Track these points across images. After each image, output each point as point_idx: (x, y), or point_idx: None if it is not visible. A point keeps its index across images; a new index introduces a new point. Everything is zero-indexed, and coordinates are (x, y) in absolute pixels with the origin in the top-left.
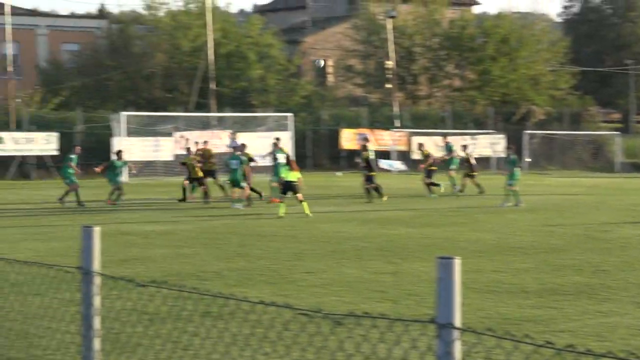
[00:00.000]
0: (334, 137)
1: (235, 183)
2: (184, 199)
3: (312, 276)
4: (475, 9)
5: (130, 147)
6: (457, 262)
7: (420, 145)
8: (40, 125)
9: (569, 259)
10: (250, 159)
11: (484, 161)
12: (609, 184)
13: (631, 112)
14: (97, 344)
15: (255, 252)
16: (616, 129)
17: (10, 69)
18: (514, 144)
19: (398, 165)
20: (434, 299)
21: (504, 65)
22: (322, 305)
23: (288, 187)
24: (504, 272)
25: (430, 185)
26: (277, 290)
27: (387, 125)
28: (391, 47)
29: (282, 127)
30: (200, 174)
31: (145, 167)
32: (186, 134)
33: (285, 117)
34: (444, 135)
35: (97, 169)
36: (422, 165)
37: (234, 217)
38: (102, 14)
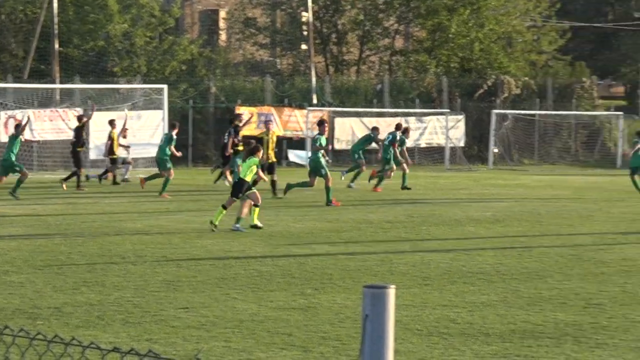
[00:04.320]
0: (227, 119)
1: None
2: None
3: (189, 313)
4: None
5: None
6: (392, 293)
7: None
8: None
9: (549, 289)
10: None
11: (434, 152)
12: (608, 184)
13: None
14: None
15: (111, 279)
16: (619, 108)
17: None
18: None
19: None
20: (358, 344)
21: (465, 20)
22: (202, 355)
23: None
24: (458, 306)
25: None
26: (140, 332)
27: (301, 102)
28: None
29: (152, 104)
30: None
31: None
32: (17, 113)
33: (158, 89)
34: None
35: None
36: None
37: (81, 229)
38: None
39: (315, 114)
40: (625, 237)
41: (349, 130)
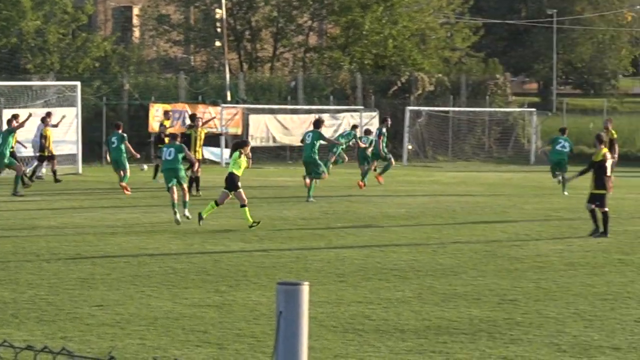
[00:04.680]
0: (141, 116)
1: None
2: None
3: (104, 311)
4: None
5: None
6: (305, 290)
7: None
8: None
9: (464, 285)
10: None
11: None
12: (522, 180)
13: (553, 81)
14: None
15: (25, 277)
16: (532, 105)
17: None
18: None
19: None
20: (273, 341)
21: (379, 17)
22: (116, 352)
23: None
24: (373, 303)
25: None
26: (54, 330)
27: (215, 99)
28: None
29: (66, 101)
30: None
31: None
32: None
33: (72, 86)
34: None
35: None
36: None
37: None
38: None
39: (229, 111)
40: (538, 234)
41: (263, 127)
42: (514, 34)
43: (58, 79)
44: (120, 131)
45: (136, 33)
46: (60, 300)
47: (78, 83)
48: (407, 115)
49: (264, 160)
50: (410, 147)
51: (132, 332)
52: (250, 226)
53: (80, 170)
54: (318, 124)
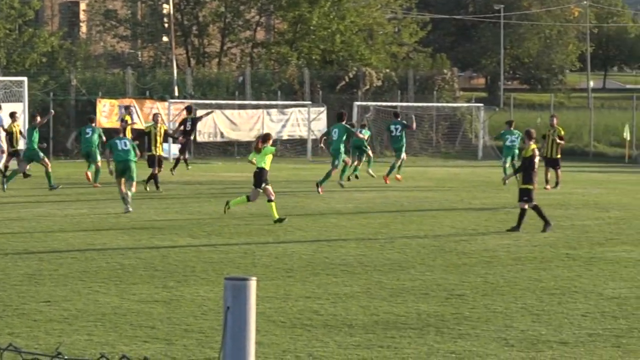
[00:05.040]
0: (88, 111)
1: None
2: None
3: (51, 307)
4: None
5: None
6: (253, 285)
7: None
8: None
9: (412, 280)
10: None
11: (296, 144)
12: (470, 175)
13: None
14: None
15: None
16: (480, 100)
17: None
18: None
19: (176, 149)
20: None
21: (327, 12)
22: (64, 348)
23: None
24: (321, 298)
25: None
26: (1, 326)
27: (163, 94)
28: None
29: (13, 97)
30: None
31: None
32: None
33: (19, 82)
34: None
35: None
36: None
37: None
38: None
39: (176, 106)
40: (486, 228)
41: (211, 122)
42: (461, 29)
43: (5, 75)
44: (94, 125)
45: (83, 28)
46: (7, 296)
47: (25, 78)
48: (355, 110)
49: (211, 156)
50: None
51: (79, 328)
52: (276, 221)
53: (27, 166)
54: (342, 116)
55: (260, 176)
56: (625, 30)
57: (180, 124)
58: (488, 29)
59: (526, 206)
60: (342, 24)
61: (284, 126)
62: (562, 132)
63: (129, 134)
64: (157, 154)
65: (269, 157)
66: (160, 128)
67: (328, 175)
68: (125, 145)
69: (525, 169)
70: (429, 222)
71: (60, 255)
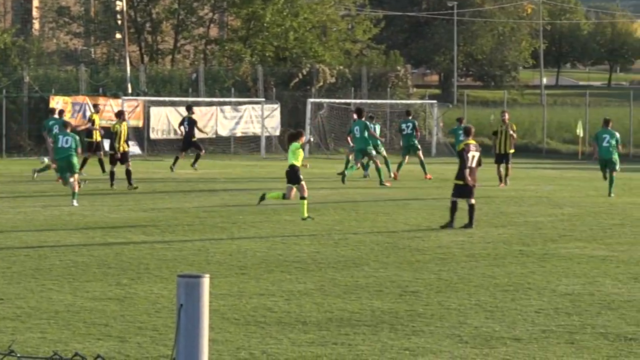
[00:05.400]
0: (41, 109)
1: None
2: None
3: (4, 305)
4: None
5: None
6: (206, 282)
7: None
8: None
9: (366, 277)
10: None
11: (250, 141)
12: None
13: (454, 73)
14: None
15: None
16: (433, 96)
17: None
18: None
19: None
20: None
21: (280, 9)
22: (17, 346)
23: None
24: (274, 295)
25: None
26: None
27: (116, 91)
28: None
29: None
30: None
31: None
32: None
33: None
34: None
35: None
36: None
37: None
38: None
39: (130, 103)
40: (440, 225)
41: (164, 119)
42: (414, 26)
43: None
44: (57, 117)
45: (36, 25)
46: None
47: None
48: (309, 107)
49: (165, 153)
50: (311, 139)
51: (32, 326)
52: (303, 219)
53: None
54: (361, 112)
55: (293, 173)
56: (578, 27)
57: (180, 124)
58: (441, 26)
59: (458, 200)
60: (295, 20)
61: (237, 123)
62: (514, 128)
63: (97, 135)
64: (122, 150)
65: (300, 154)
66: (124, 126)
67: (378, 170)
68: (67, 143)
69: (459, 166)
70: (382, 219)
71: (14, 253)
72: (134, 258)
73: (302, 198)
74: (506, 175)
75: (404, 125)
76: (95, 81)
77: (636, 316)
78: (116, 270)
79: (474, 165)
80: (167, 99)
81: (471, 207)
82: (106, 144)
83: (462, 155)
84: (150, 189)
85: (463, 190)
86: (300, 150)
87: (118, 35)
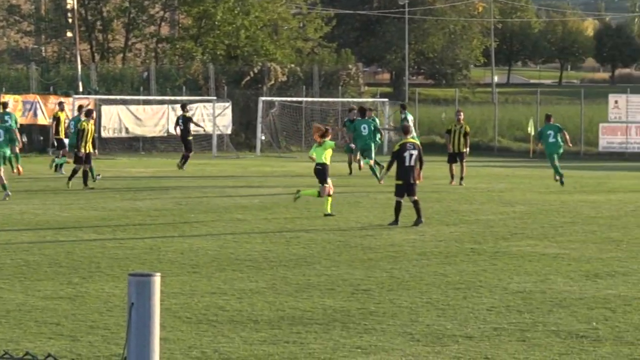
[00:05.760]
0: None
1: None
2: None
3: None
4: None
5: None
6: (157, 281)
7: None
8: None
9: (317, 276)
10: None
11: (201, 139)
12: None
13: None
14: None
15: None
16: (385, 95)
17: None
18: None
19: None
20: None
21: (231, 7)
22: None
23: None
24: (226, 294)
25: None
26: None
27: (67, 89)
28: None
29: None
30: None
31: None
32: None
33: None
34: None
35: None
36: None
37: None
38: None
39: (81, 102)
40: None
41: (115, 118)
42: (366, 24)
43: None
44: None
45: None
46: None
47: None
48: (260, 105)
49: (116, 151)
50: (263, 137)
51: None
52: (326, 215)
53: None
54: (365, 112)
55: (322, 172)
56: (529, 25)
57: (175, 125)
58: (393, 24)
59: (402, 199)
60: (246, 19)
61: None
62: (468, 129)
63: (62, 133)
64: (87, 151)
65: (329, 152)
66: (91, 125)
67: (373, 170)
68: (0, 137)
69: (397, 165)
70: (334, 218)
71: None
72: (85, 257)
73: (328, 195)
74: (461, 174)
75: (409, 118)
76: (46, 80)
77: (587, 314)
78: (68, 269)
79: (412, 163)
80: (118, 97)
81: (415, 203)
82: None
83: (393, 156)
84: (101, 188)
85: (403, 189)
86: (330, 149)
87: (69, 34)
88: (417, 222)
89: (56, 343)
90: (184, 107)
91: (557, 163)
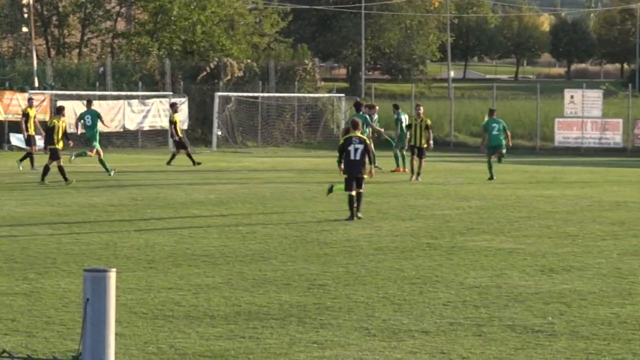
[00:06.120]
0: None
1: None
2: None
3: None
4: None
5: None
6: (112, 276)
7: None
8: None
9: (274, 271)
10: None
11: (157, 135)
12: (331, 165)
13: (362, 66)
14: None
15: None
16: (341, 90)
17: None
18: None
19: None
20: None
21: (187, 2)
22: None
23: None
24: (182, 289)
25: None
26: None
27: (23, 85)
28: None
29: None
30: None
31: None
32: None
33: None
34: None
35: None
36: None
37: None
38: None
39: (37, 97)
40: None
41: (71, 113)
42: (322, 19)
43: None
44: None
45: None
46: None
47: None
48: (217, 101)
49: (72, 147)
50: (219, 133)
51: None
52: (328, 194)
53: None
54: (359, 107)
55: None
56: (485, 20)
57: (170, 124)
58: (349, 19)
59: (353, 193)
60: (203, 14)
61: (145, 117)
62: (429, 122)
63: (31, 129)
64: (59, 147)
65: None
66: (63, 122)
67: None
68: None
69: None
70: (290, 213)
71: None
72: (41, 252)
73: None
74: (419, 170)
75: (402, 118)
76: (2, 75)
77: (543, 308)
78: (23, 264)
79: (358, 157)
80: (74, 92)
81: (359, 195)
82: (14, 138)
83: (339, 150)
84: (57, 183)
85: (352, 182)
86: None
87: (24, 29)
88: (357, 209)
89: (12, 339)
90: (172, 105)
91: (500, 156)
